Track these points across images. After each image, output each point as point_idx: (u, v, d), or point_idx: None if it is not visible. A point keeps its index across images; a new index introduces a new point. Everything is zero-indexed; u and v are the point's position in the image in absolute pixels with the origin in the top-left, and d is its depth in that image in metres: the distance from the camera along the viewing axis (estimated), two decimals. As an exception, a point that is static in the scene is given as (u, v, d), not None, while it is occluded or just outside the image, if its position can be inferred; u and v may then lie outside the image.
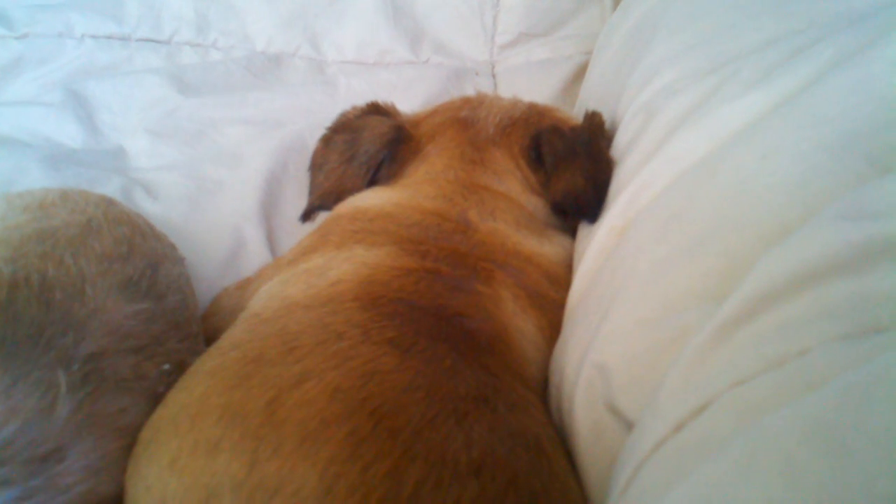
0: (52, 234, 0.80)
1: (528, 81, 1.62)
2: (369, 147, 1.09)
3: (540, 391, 0.83)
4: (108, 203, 0.94)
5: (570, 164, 0.99)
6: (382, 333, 0.72)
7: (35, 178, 1.21)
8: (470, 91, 1.49)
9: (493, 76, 1.70)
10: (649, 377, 0.63)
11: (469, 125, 1.10)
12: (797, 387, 0.45)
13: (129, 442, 0.72)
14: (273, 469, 0.59)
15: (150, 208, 1.19)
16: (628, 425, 0.64)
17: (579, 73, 1.59)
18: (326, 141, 1.18)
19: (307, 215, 1.17)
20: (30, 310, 0.70)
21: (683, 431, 0.52)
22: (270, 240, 1.20)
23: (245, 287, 1.02)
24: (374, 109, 1.18)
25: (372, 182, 1.10)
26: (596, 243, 0.87)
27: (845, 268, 0.50)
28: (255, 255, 1.16)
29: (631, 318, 0.69)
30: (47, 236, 0.79)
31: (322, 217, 1.11)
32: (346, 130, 1.15)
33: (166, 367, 0.79)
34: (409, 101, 1.45)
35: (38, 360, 0.68)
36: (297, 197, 1.25)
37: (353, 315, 0.75)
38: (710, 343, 0.55)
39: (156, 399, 0.76)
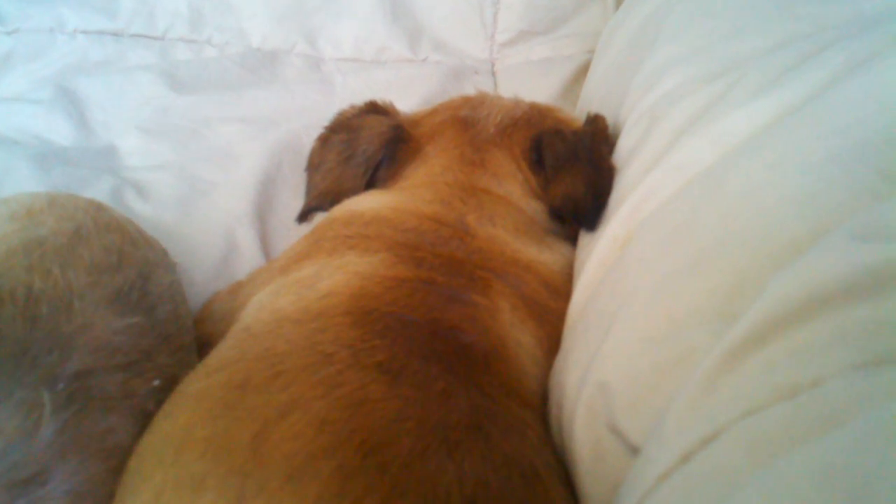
0: (39, 244, 0.77)
1: (529, 80, 1.60)
2: (367, 147, 1.07)
3: (539, 406, 0.80)
4: (98, 208, 0.91)
5: (571, 170, 0.97)
6: (372, 355, 0.70)
7: (24, 178, 1.19)
8: (469, 90, 1.47)
9: (493, 75, 1.68)
10: (653, 398, 0.61)
11: (469, 125, 1.07)
12: (812, 422, 0.43)
13: (115, 464, 0.69)
14: None
15: (142, 209, 1.17)
16: (631, 448, 0.61)
17: (580, 73, 1.56)
18: (324, 140, 1.16)
19: (304, 216, 1.14)
20: (15, 327, 0.68)
21: (691, 463, 0.50)
22: (264, 242, 1.17)
23: (237, 291, 1.00)
24: (373, 108, 1.15)
25: (370, 182, 1.07)
26: (597, 254, 0.85)
27: (859, 292, 0.48)
28: (248, 258, 1.14)
29: (634, 336, 0.67)
30: (34, 247, 0.77)
31: (319, 217, 1.09)
32: (343, 130, 1.13)
33: (156, 383, 0.77)
34: (408, 100, 1.43)
35: (21, 380, 0.65)
36: (291, 198, 1.23)
37: (343, 332, 0.73)
38: (718, 368, 0.53)
39: (144, 417, 0.73)
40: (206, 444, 0.63)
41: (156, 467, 0.65)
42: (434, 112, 1.15)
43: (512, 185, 1.01)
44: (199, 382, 0.73)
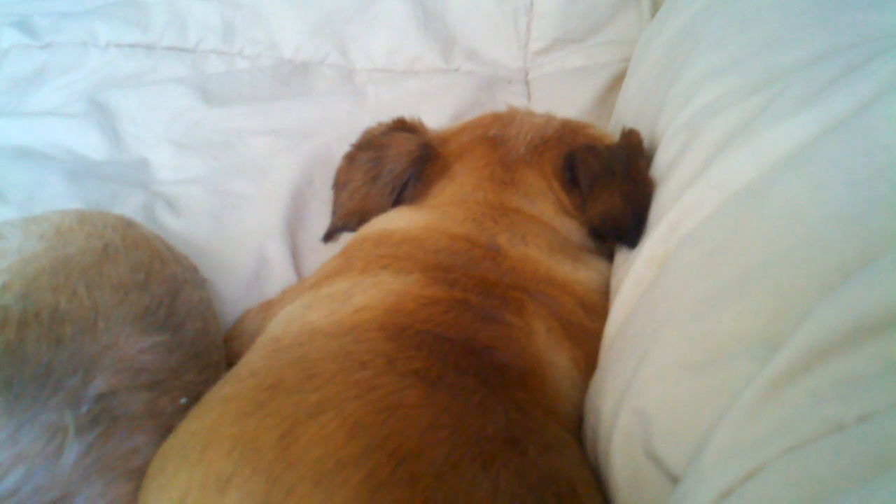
0: (66, 263, 0.77)
1: (563, 90, 1.57)
2: (395, 165, 1.05)
3: (575, 429, 0.78)
4: (127, 225, 0.91)
5: (608, 186, 0.94)
6: (408, 364, 0.68)
7: (56, 192, 1.20)
8: (502, 100, 1.45)
9: (527, 84, 1.64)
10: (693, 426, 0.58)
11: (499, 143, 1.05)
12: (860, 461, 0.41)
13: (140, 484, 0.68)
14: None
15: (173, 224, 1.17)
16: (670, 476, 0.59)
17: (616, 82, 1.53)
18: (350, 158, 1.14)
19: (330, 236, 1.13)
20: (39, 349, 0.67)
21: (732, 499, 0.47)
22: (295, 257, 1.16)
23: (268, 310, 0.99)
24: (401, 125, 1.13)
25: (397, 202, 1.06)
26: (634, 273, 0.82)
27: (908, 322, 0.45)
28: (279, 273, 1.13)
29: (673, 361, 0.65)
30: (61, 266, 0.76)
31: (346, 237, 1.08)
32: (371, 148, 1.11)
33: (183, 401, 0.76)
34: (440, 110, 1.41)
35: (45, 403, 0.65)
36: (322, 212, 1.21)
37: (378, 345, 0.71)
38: (761, 398, 0.51)
39: (170, 436, 0.73)
40: (233, 442, 0.61)
41: (181, 466, 0.63)
42: (463, 129, 1.12)
43: (544, 204, 0.98)
44: (229, 387, 0.72)
